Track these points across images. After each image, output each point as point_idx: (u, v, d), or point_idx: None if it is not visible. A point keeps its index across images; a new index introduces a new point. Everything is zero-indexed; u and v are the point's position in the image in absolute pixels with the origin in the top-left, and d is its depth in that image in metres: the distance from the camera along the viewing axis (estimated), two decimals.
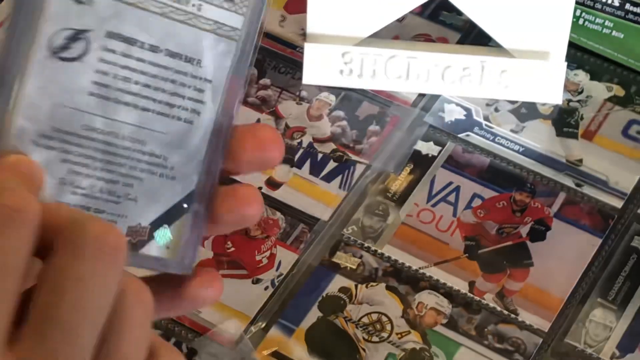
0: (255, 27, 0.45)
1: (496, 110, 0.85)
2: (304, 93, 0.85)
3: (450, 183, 0.81)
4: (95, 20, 0.43)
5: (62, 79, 0.43)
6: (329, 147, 0.83)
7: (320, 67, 0.84)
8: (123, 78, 0.43)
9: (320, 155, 0.82)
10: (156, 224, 0.45)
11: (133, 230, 0.44)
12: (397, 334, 0.74)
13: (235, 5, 0.45)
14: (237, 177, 0.46)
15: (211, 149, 0.45)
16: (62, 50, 0.43)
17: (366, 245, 0.78)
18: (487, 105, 0.85)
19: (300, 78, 0.85)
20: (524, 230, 0.79)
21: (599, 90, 0.86)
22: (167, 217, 0.45)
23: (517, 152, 0.83)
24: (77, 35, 0.43)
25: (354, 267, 0.77)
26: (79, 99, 0.43)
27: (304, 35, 0.85)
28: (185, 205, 0.45)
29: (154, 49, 0.44)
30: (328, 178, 0.81)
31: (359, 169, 0.82)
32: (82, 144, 0.43)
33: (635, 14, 0.84)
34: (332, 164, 0.82)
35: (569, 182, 0.81)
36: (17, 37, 0.42)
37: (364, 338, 0.74)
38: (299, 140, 0.83)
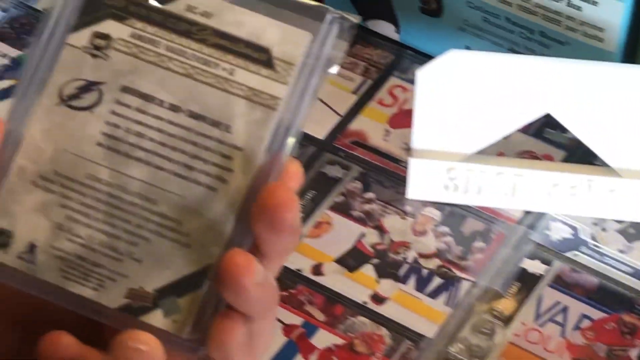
0: (303, 98, 0.43)
1: (603, 229, 0.84)
2: (408, 208, 0.85)
3: (558, 303, 0.80)
4: (110, 74, 0.43)
5: (70, 126, 0.43)
6: (434, 262, 0.82)
7: (425, 183, 0.84)
8: (136, 133, 0.43)
9: (425, 271, 0.82)
10: (163, 293, 0.42)
11: (134, 292, 0.42)
12: None
13: (276, 73, 0.43)
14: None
15: (239, 223, 0.42)
16: (73, 99, 0.43)
17: None
18: (594, 224, 0.84)
19: (404, 192, 0.85)
20: (634, 353, 0.77)
21: None
22: (177, 288, 0.42)
23: (626, 273, 0.81)
24: (89, 86, 0.43)
25: None
26: (85, 148, 0.43)
27: (407, 150, 0.85)
28: (200, 278, 0.42)
29: (174, 108, 0.43)
30: (434, 294, 0.80)
31: (465, 285, 0.81)
32: (84, 192, 0.43)
33: None
34: (437, 280, 0.81)
35: None
36: (29, 84, 0.43)
37: None
38: (403, 255, 0.83)
